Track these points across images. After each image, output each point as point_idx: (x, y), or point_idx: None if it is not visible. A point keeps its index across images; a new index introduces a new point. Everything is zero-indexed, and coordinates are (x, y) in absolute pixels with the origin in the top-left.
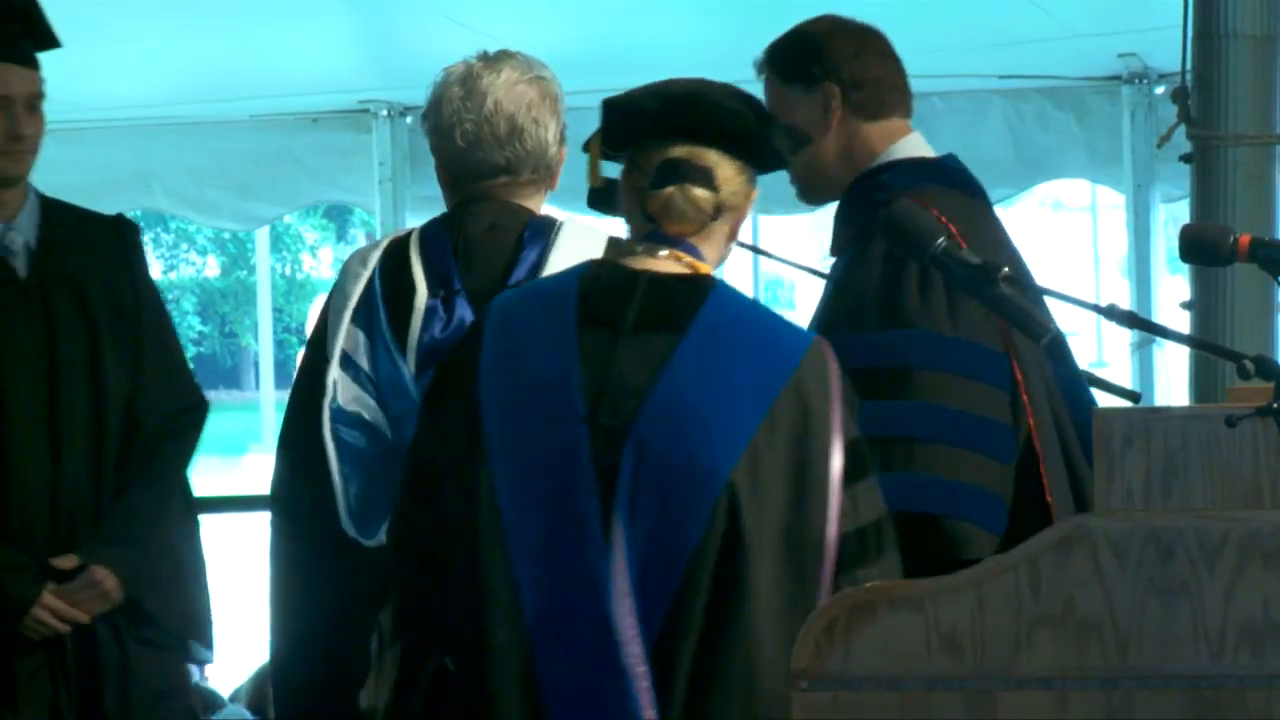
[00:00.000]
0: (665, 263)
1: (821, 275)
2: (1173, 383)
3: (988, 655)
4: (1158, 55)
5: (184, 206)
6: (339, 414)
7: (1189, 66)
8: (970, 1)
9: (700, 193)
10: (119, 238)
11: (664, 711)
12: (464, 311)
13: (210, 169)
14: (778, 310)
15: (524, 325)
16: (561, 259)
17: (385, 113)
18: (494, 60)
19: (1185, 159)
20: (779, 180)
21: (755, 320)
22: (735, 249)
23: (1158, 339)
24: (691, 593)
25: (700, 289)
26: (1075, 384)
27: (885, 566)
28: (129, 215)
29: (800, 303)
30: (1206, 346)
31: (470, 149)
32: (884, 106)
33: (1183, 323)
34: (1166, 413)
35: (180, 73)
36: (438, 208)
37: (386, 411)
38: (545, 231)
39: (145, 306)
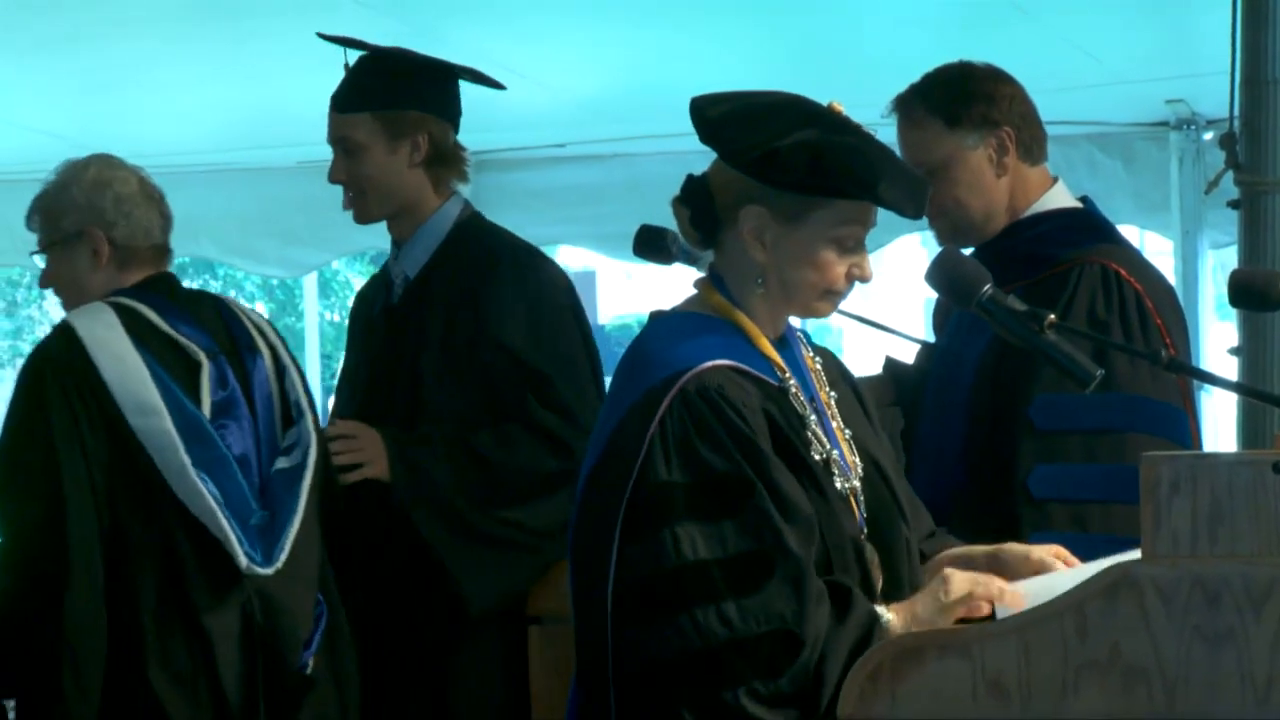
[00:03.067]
0: (690, 300)
1: (869, 322)
2: (1220, 429)
3: (1034, 701)
4: (1205, 101)
5: (231, 254)
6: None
7: (1236, 113)
8: (1017, 47)
9: (678, 205)
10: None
11: None
12: (226, 371)
13: (257, 216)
14: None
15: None
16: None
17: None
18: (102, 158)
19: (1233, 205)
20: None
21: (639, 357)
22: None
23: (1205, 385)
24: None
25: (648, 324)
26: None
27: (681, 622)
28: (176, 262)
29: (848, 348)
30: (1254, 393)
31: (131, 217)
32: (1043, 150)
33: (1231, 369)
34: (1214, 459)
35: (227, 120)
36: None
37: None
38: (217, 297)
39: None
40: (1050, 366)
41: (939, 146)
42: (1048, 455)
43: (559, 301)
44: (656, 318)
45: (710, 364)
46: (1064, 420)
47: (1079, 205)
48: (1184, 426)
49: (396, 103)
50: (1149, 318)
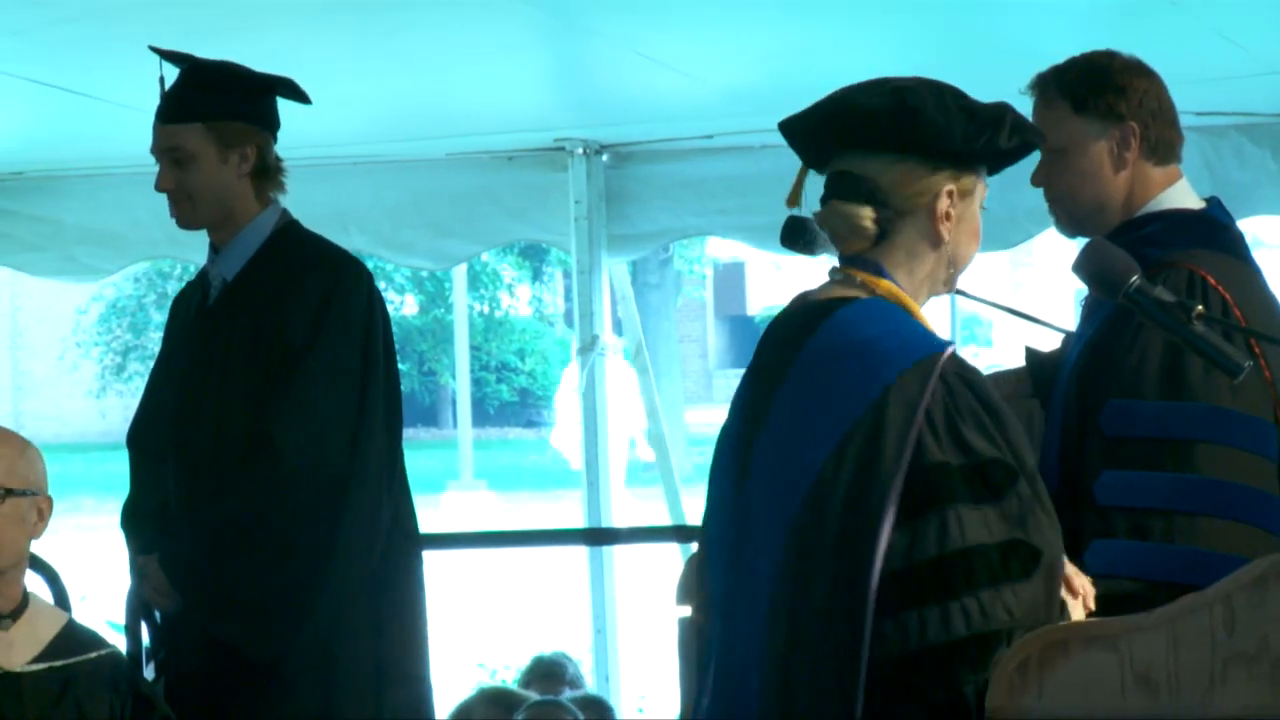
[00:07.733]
0: (835, 287)
1: (1017, 313)
2: None
3: (1182, 694)
4: None
5: (380, 246)
6: None
7: None
8: (1166, 38)
9: (851, 207)
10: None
11: None
12: None
13: (407, 208)
14: (973, 350)
15: None
16: None
17: (581, 150)
18: None
19: None
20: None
21: (859, 343)
22: None
23: None
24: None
25: (825, 312)
26: None
27: (966, 605)
28: None
29: (997, 340)
30: None
31: None
32: (1172, 151)
33: None
34: None
35: (376, 112)
36: (632, 245)
37: None
38: None
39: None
40: (1197, 358)
41: (1062, 130)
42: (1113, 461)
43: (350, 314)
44: (844, 304)
45: (953, 348)
46: (1133, 427)
47: (1198, 206)
48: (1269, 438)
49: (226, 114)
50: (1233, 326)
